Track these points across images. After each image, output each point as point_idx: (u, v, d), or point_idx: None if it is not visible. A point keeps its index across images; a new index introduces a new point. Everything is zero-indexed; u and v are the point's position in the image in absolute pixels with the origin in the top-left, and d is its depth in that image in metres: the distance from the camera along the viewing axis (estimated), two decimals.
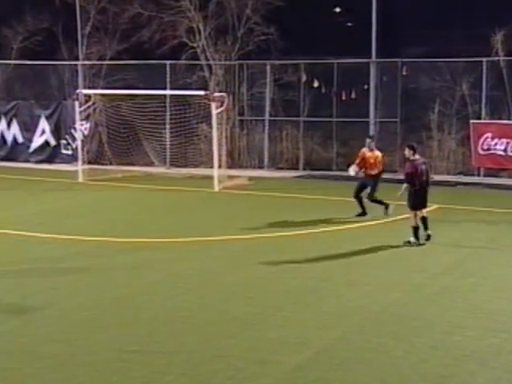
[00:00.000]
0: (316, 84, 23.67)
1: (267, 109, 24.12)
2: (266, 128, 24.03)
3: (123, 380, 7.23)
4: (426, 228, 12.94)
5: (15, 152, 25.77)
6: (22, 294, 10.03)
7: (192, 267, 11.50)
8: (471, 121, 21.66)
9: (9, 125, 25.74)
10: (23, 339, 8.30)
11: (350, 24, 30.78)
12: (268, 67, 23.93)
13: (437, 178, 21.45)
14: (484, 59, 21.50)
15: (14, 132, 25.77)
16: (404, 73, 22.64)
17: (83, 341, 8.23)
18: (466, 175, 21.77)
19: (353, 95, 23.22)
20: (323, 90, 23.68)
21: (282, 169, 23.44)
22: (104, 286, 10.50)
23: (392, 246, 12.81)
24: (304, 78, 23.66)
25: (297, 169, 23.41)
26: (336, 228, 14.34)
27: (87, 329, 8.64)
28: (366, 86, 23.12)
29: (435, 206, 16.55)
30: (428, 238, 12.94)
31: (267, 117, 24.03)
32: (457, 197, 18.68)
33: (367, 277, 11.01)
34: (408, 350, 7.98)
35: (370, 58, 22.92)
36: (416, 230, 12.87)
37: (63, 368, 7.49)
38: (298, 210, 15.32)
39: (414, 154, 13.01)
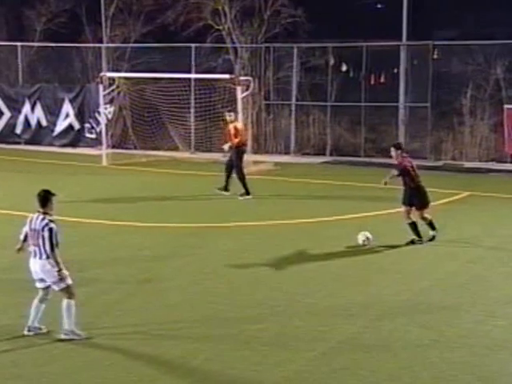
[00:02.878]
0: (344, 68, 23.27)
1: (294, 93, 23.76)
2: (293, 113, 23.67)
3: (148, 364, 7.22)
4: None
5: (39, 135, 25.62)
6: None
7: (219, 253, 11.38)
8: (505, 106, 21.10)
9: (32, 108, 25.59)
10: (48, 320, 8.12)
11: (379, 6, 30.30)
12: (295, 50, 23.55)
13: (468, 164, 21.12)
14: None
15: (37, 115, 25.62)
16: (435, 56, 22.15)
17: (108, 324, 8.22)
18: (498, 162, 21.29)
19: (382, 79, 22.79)
20: (351, 74, 23.27)
21: (308, 154, 23.07)
22: (129, 270, 10.41)
23: (424, 234, 12.43)
24: (332, 62, 23.26)
25: (324, 154, 23.03)
26: (365, 215, 14.05)
27: (112, 313, 8.60)
28: (395, 70, 22.68)
29: (466, 194, 16.29)
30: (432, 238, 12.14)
31: (294, 101, 23.67)
32: (489, 184, 18.34)
33: (398, 264, 10.81)
34: (437, 338, 7.86)
35: (401, 40, 22.49)
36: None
37: (88, 351, 7.48)
38: (325, 197, 15.04)
39: (402, 153, 12.03)
